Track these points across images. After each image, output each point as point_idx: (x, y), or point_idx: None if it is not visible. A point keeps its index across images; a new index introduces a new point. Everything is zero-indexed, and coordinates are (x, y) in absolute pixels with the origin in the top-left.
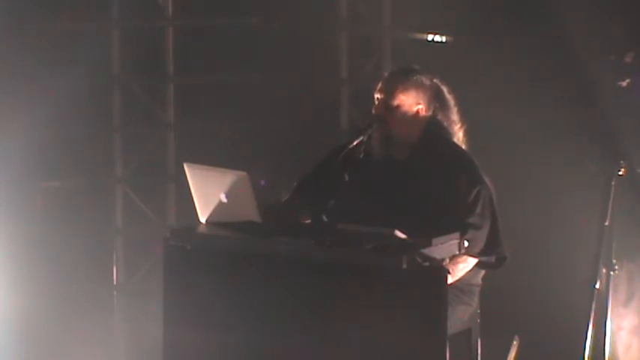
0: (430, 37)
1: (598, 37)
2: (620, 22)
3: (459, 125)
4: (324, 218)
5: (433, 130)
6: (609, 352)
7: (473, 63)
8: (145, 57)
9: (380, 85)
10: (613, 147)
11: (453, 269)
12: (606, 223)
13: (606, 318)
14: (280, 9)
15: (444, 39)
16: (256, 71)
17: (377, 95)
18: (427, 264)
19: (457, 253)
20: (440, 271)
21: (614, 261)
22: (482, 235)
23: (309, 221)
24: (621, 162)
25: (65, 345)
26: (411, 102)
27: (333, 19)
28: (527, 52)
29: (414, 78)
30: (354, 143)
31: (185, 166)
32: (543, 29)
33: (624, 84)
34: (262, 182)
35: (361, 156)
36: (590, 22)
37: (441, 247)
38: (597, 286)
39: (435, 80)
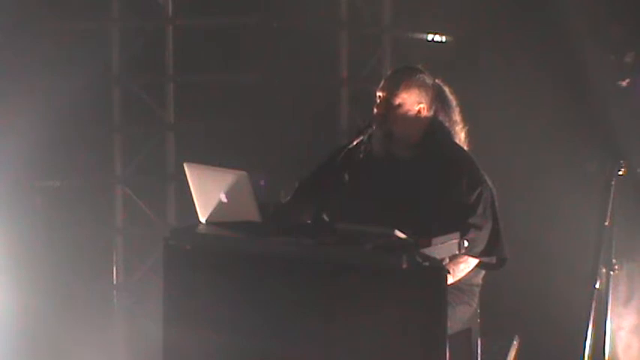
0: (430, 37)
1: (598, 37)
2: (620, 22)
3: (460, 126)
4: (325, 218)
5: (435, 130)
6: (609, 352)
7: (473, 63)
8: (145, 57)
9: (382, 82)
10: (613, 147)
11: (454, 269)
12: (606, 223)
13: (606, 318)
14: (280, 9)
15: (444, 39)
16: (256, 71)
17: (379, 93)
18: (427, 264)
19: (457, 253)
20: (440, 271)
21: (614, 261)
22: (483, 236)
23: (309, 221)
24: (621, 162)
25: (65, 345)
26: (413, 101)
27: (333, 19)
28: (528, 52)
29: (417, 77)
30: (354, 143)
31: (185, 166)
32: (544, 29)
33: (624, 84)
34: (262, 182)
35: (361, 156)
36: (590, 22)
37: (441, 247)
38: (597, 286)
39: (437, 80)
